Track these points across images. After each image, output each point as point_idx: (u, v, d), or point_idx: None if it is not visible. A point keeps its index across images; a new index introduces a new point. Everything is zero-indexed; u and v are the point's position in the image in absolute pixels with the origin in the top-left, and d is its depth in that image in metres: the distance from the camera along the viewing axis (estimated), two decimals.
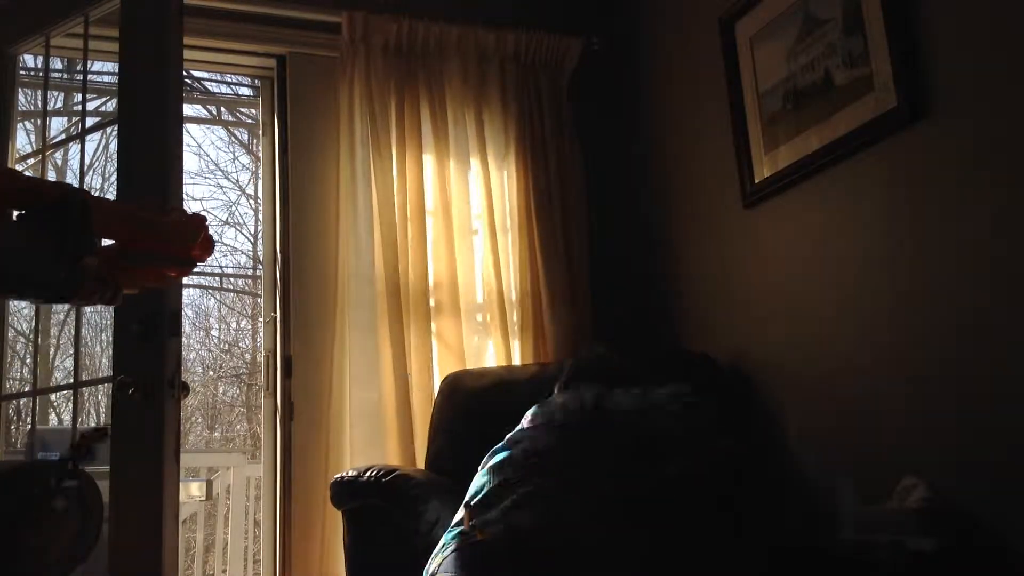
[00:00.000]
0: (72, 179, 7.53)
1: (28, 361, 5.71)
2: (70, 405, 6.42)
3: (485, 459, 2.06)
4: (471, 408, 2.48)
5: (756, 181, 2.53)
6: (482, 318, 2.92)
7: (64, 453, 1.29)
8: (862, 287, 2.15)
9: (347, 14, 2.86)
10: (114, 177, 2.23)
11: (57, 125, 6.63)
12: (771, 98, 2.47)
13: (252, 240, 8.31)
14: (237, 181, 8.61)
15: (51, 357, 6.90)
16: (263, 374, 2.94)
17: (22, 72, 2.60)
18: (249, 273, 8.53)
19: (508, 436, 2.08)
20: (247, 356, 8.47)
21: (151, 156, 2.06)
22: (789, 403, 2.41)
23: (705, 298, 2.80)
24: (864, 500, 1.93)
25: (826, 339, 2.27)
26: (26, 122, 5.37)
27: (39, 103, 4.97)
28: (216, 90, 7.02)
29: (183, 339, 2.32)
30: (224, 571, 4.68)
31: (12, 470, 1.51)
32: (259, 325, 7.90)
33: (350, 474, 2.24)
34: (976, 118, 1.85)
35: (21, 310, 5.58)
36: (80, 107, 5.10)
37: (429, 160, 2.92)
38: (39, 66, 3.04)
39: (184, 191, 2.17)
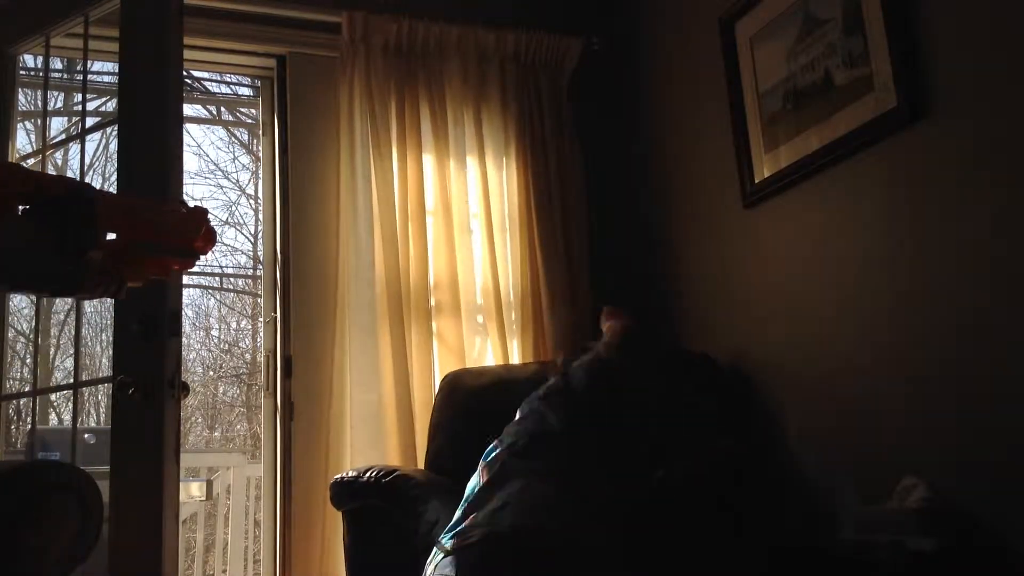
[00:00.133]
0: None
1: (28, 361, 5.71)
2: (70, 405, 6.42)
3: (482, 458, 2.07)
4: (471, 407, 2.48)
5: (756, 181, 2.53)
6: (482, 318, 2.92)
7: None
8: (862, 287, 2.15)
9: (347, 14, 2.86)
10: (114, 177, 2.23)
11: (57, 125, 6.64)
12: (771, 98, 2.47)
13: (252, 240, 8.32)
14: (237, 181, 8.61)
15: (51, 357, 6.90)
16: (263, 374, 2.94)
17: (22, 72, 2.60)
18: (249, 273, 8.53)
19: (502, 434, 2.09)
20: (247, 356, 8.47)
21: (151, 156, 2.06)
22: (789, 403, 2.40)
23: (705, 298, 2.80)
24: (864, 500, 1.93)
25: (826, 339, 2.27)
26: (26, 122, 5.36)
27: (39, 103, 4.97)
28: (216, 90, 7.03)
29: (183, 339, 2.32)
30: (224, 571, 4.68)
31: (12, 470, 1.51)
32: (259, 325, 7.90)
33: (350, 474, 2.24)
34: (976, 118, 1.85)
35: (21, 310, 5.58)
36: (80, 107, 5.10)
37: (429, 160, 2.92)
38: (39, 66, 3.04)
39: (184, 191, 2.17)
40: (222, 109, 7.74)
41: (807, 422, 2.34)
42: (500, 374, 2.61)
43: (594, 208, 3.10)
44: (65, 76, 5.75)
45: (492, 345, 2.88)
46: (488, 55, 3.06)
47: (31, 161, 3.06)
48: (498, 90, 3.05)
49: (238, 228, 8.53)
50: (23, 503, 1.41)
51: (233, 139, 8.46)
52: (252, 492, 4.82)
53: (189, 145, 8.19)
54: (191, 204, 1.19)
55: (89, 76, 2.86)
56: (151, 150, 2.07)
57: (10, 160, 2.42)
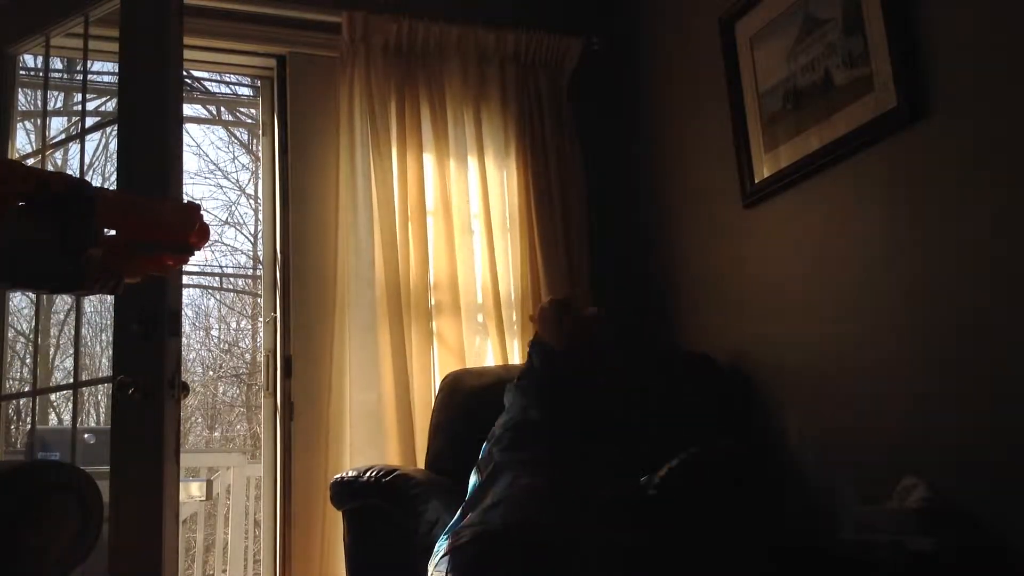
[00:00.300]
0: None
1: (28, 361, 5.71)
2: (70, 405, 6.42)
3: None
4: (471, 408, 2.48)
5: (756, 181, 2.53)
6: (482, 318, 2.92)
7: None
8: (862, 287, 2.15)
9: (347, 14, 2.86)
10: (114, 177, 2.23)
11: (57, 125, 6.63)
12: (771, 98, 2.47)
13: (252, 240, 8.31)
14: (237, 181, 8.61)
15: (51, 357, 6.89)
16: (263, 374, 2.93)
17: (22, 72, 2.60)
18: (249, 273, 8.53)
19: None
20: (247, 356, 8.47)
21: (151, 156, 2.06)
22: (789, 403, 2.40)
23: (705, 298, 2.80)
24: (864, 500, 1.93)
25: (826, 339, 2.26)
26: (26, 122, 5.37)
27: (39, 103, 4.97)
28: (216, 90, 7.02)
29: (183, 339, 2.32)
30: (224, 571, 4.68)
31: (12, 470, 1.51)
32: (259, 325, 7.90)
33: (350, 474, 2.24)
34: (976, 118, 1.85)
35: (21, 310, 5.58)
36: (80, 107, 5.10)
37: (429, 160, 2.92)
38: (39, 66, 3.04)
39: (184, 191, 2.17)
40: (222, 109, 7.74)
41: (807, 422, 2.34)
42: (500, 375, 2.61)
43: (594, 208, 3.10)
44: (65, 76, 5.75)
45: (492, 345, 2.88)
46: (488, 55, 3.05)
47: (31, 161, 3.06)
48: (498, 90, 3.05)
49: (238, 228, 8.53)
50: (23, 503, 1.41)
51: (233, 139, 8.46)
52: (252, 492, 4.82)
53: (189, 145, 8.20)
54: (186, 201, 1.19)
55: (89, 76, 2.87)
56: (151, 150, 2.06)
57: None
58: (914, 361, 2.00)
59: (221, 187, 8.74)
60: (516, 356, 2.88)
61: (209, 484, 4.45)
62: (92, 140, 6.54)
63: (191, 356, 8.19)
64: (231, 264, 8.66)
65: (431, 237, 2.87)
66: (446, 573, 1.74)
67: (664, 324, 2.97)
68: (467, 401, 2.50)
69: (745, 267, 2.61)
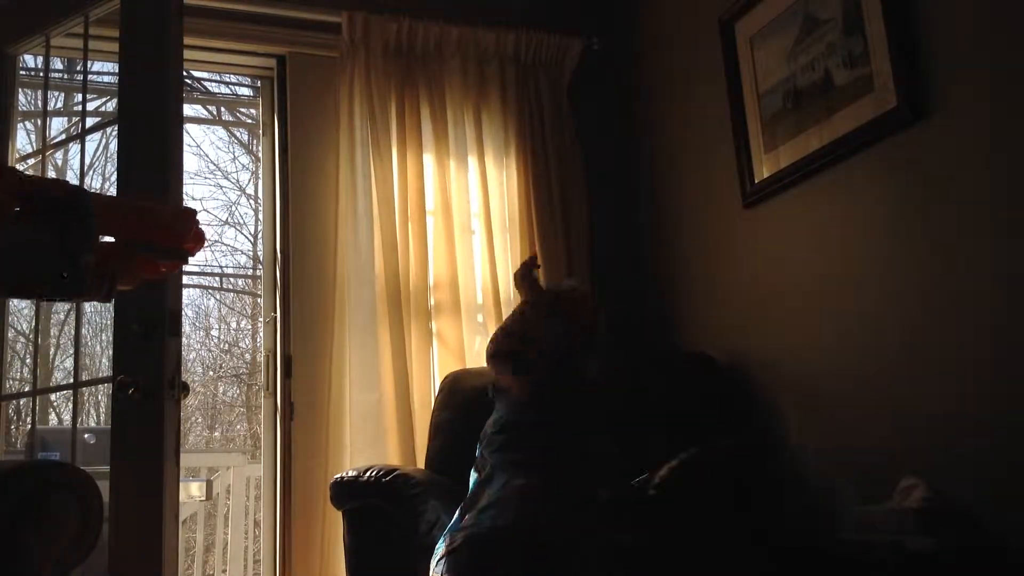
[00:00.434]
0: (72, 179, 7.53)
1: (28, 361, 5.71)
2: (70, 405, 6.41)
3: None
4: (471, 408, 2.48)
5: (756, 181, 2.53)
6: (482, 318, 2.92)
7: None
8: (862, 287, 2.15)
9: (347, 14, 2.86)
10: (114, 177, 2.23)
11: (57, 125, 6.63)
12: (771, 98, 2.47)
13: (252, 240, 8.31)
14: (237, 181, 8.60)
15: (51, 357, 6.89)
16: (263, 374, 2.93)
17: (22, 72, 2.60)
18: (249, 273, 8.53)
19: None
20: (247, 356, 8.46)
21: (151, 156, 2.06)
22: (789, 403, 2.40)
23: (705, 298, 2.80)
24: (864, 500, 1.93)
25: (826, 338, 2.26)
26: (26, 122, 5.36)
27: (39, 103, 4.97)
28: (216, 90, 7.02)
29: (183, 339, 2.31)
30: (224, 571, 4.68)
31: (12, 470, 1.51)
32: (259, 325, 7.89)
33: (350, 474, 2.24)
34: (976, 118, 1.85)
35: (21, 310, 5.58)
36: (80, 107, 5.10)
37: (429, 160, 2.92)
38: (39, 66, 3.04)
39: (184, 191, 2.17)
40: (222, 109, 7.74)
41: (806, 422, 2.34)
42: None
43: (594, 208, 3.10)
44: (65, 76, 5.75)
45: None
46: (488, 55, 3.05)
47: (31, 161, 3.06)
48: (498, 90, 3.05)
49: (238, 228, 8.53)
50: (23, 503, 1.41)
51: (233, 139, 8.46)
52: (252, 492, 4.82)
53: (189, 145, 8.19)
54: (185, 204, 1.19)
55: (89, 76, 2.86)
56: (151, 150, 2.06)
57: (10, 161, 2.42)
58: (914, 361, 2.00)
59: (221, 187, 8.74)
60: None
61: (209, 484, 4.44)
62: (92, 140, 6.55)
63: (191, 356, 8.19)
64: (231, 264, 8.66)
65: (431, 237, 2.87)
66: (442, 575, 1.75)
67: (664, 324, 2.97)
68: (467, 401, 2.50)
69: (745, 267, 2.61)
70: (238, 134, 8.33)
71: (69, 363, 6.62)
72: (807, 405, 2.34)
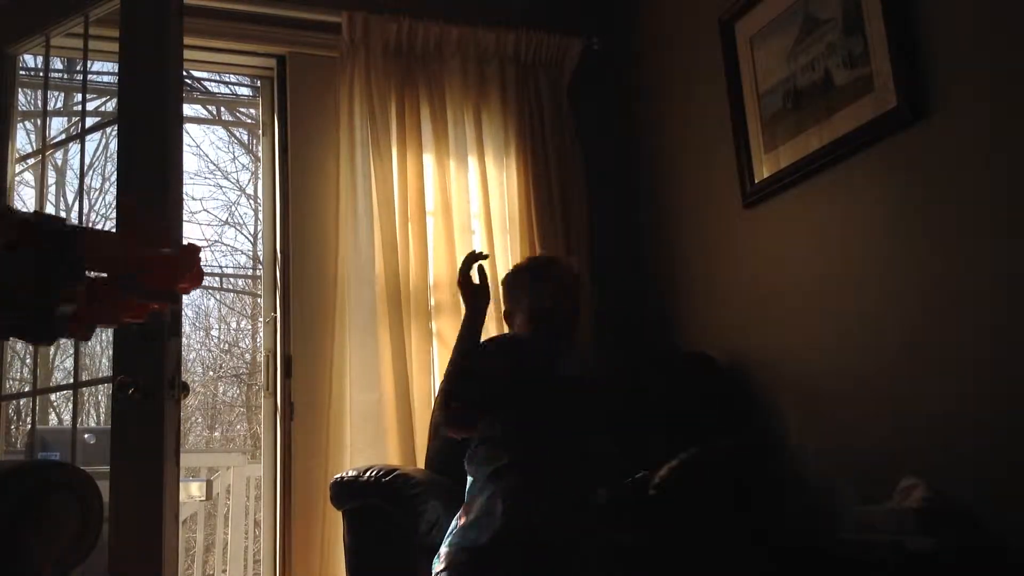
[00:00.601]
0: (72, 179, 7.52)
1: (28, 361, 5.71)
2: (70, 405, 6.42)
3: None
4: None
5: (756, 181, 2.53)
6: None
7: None
8: (862, 287, 2.15)
9: (347, 14, 2.86)
10: (114, 177, 2.22)
11: (57, 125, 6.64)
12: (771, 98, 2.47)
13: (252, 240, 8.31)
14: (237, 181, 8.61)
15: (51, 357, 6.89)
16: (263, 374, 2.93)
17: (22, 72, 2.60)
18: (249, 273, 8.53)
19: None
20: (247, 356, 8.46)
21: (151, 156, 2.06)
22: (789, 403, 2.40)
23: (705, 298, 2.80)
24: (864, 500, 1.93)
25: (826, 339, 2.26)
26: (26, 122, 5.37)
27: (39, 103, 4.97)
28: (216, 90, 7.02)
29: (183, 339, 2.32)
30: (224, 571, 4.68)
31: (12, 470, 1.51)
32: (259, 325, 7.89)
33: (350, 474, 2.24)
34: (976, 118, 1.85)
35: None
36: (80, 107, 5.10)
37: (429, 160, 2.92)
38: (39, 66, 3.04)
39: (184, 191, 2.17)
40: (222, 109, 7.74)
41: (806, 422, 2.34)
42: None
43: (594, 208, 3.10)
44: (65, 76, 5.75)
45: None
46: (488, 55, 3.05)
47: (31, 161, 3.06)
48: (498, 90, 3.05)
49: (238, 228, 8.53)
50: (23, 503, 1.41)
51: (233, 139, 8.46)
52: (252, 492, 4.82)
53: (189, 145, 8.20)
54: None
55: (89, 76, 2.87)
56: (151, 150, 2.06)
57: (10, 160, 2.42)
58: (914, 361, 2.00)
59: (221, 187, 8.75)
60: None
61: (209, 484, 4.45)
62: (92, 140, 6.55)
63: (191, 356, 8.19)
64: (231, 264, 8.67)
65: (431, 237, 2.87)
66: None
67: (664, 324, 2.97)
68: None
69: (745, 267, 2.61)
70: (238, 134, 8.34)
71: (69, 363, 6.62)
72: (807, 405, 2.34)
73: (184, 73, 2.38)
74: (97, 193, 7.08)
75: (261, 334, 6.81)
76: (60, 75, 5.68)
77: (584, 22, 3.24)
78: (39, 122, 4.95)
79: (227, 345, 8.66)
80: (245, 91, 6.98)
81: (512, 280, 2.29)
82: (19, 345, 5.72)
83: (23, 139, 5.18)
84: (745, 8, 2.56)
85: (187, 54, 2.32)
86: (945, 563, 1.66)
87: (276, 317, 2.85)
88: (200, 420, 8.26)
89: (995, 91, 1.81)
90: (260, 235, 7.42)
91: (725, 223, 2.69)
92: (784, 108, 2.42)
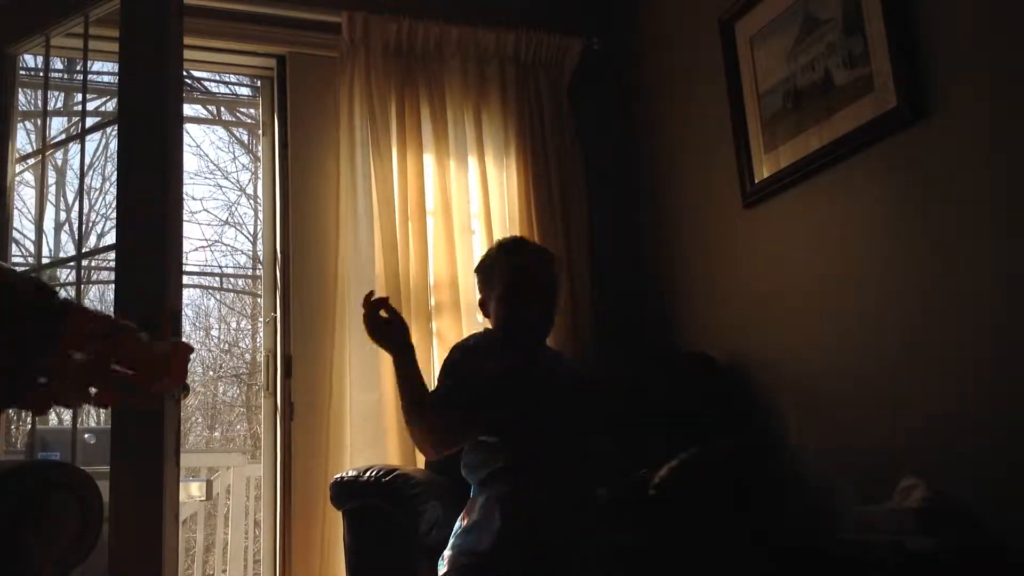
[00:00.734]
0: (72, 179, 7.53)
1: None
2: None
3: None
4: None
5: (756, 181, 2.53)
6: (482, 318, 2.91)
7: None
8: (862, 287, 2.15)
9: (347, 14, 2.86)
10: (114, 177, 2.23)
11: (57, 125, 6.64)
12: (771, 98, 2.47)
13: (252, 240, 8.31)
14: (237, 181, 8.62)
15: None
16: (263, 374, 2.93)
17: (22, 72, 2.60)
18: (249, 273, 8.53)
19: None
20: (247, 356, 8.47)
21: (151, 156, 2.06)
22: (789, 403, 2.40)
23: (705, 298, 2.80)
24: (864, 500, 1.93)
25: (826, 339, 2.26)
26: (26, 122, 5.37)
27: (39, 103, 4.97)
28: (216, 90, 7.02)
29: (183, 339, 2.31)
30: (224, 571, 4.68)
31: (12, 470, 1.51)
32: (259, 325, 7.89)
33: (350, 474, 2.24)
34: (976, 118, 1.85)
35: None
36: (80, 107, 5.10)
37: (429, 160, 2.92)
38: (39, 66, 3.04)
39: (184, 191, 2.17)
40: (222, 109, 7.75)
41: (806, 422, 2.34)
42: None
43: (594, 208, 3.10)
44: (65, 76, 5.75)
45: None
46: (488, 55, 3.05)
47: (31, 161, 3.06)
48: (498, 90, 3.05)
49: (238, 228, 8.54)
50: (23, 503, 1.41)
51: (233, 139, 8.46)
52: (252, 492, 4.82)
53: (189, 145, 8.20)
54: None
55: (89, 76, 2.87)
56: (151, 150, 2.06)
57: (10, 160, 2.42)
58: (914, 361, 2.00)
59: (221, 187, 8.76)
60: None
61: (209, 484, 4.45)
62: (92, 140, 6.56)
63: (191, 356, 8.19)
64: (231, 264, 8.67)
65: (431, 237, 2.87)
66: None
67: (664, 324, 2.97)
68: None
69: (745, 267, 2.61)
70: (238, 134, 8.35)
71: None
72: (807, 405, 2.34)
73: (184, 73, 2.38)
74: (97, 193, 7.09)
75: (261, 334, 6.81)
76: (60, 75, 5.69)
77: (584, 22, 3.24)
78: (39, 122, 4.95)
79: (227, 345, 8.67)
80: (245, 91, 6.99)
81: (484, 263, 2.23)
82: None
83: (23, 139, 5.18)
84: (745, 8, 2.56)
85: (187, 54, 2.32)
86: (945, 563, 1.66)
87: (276, 317, 2.85)
88: (200, 420, 8.27)
89: (995, 91, 1.81)
90: (260, 235, 7.42)
91: (725, 223, 2.69)
92: (784, 108, 2.42)
